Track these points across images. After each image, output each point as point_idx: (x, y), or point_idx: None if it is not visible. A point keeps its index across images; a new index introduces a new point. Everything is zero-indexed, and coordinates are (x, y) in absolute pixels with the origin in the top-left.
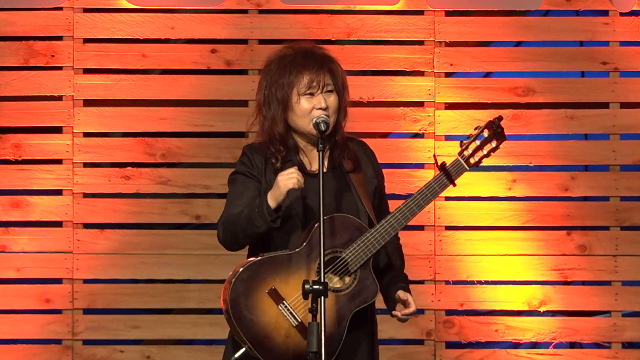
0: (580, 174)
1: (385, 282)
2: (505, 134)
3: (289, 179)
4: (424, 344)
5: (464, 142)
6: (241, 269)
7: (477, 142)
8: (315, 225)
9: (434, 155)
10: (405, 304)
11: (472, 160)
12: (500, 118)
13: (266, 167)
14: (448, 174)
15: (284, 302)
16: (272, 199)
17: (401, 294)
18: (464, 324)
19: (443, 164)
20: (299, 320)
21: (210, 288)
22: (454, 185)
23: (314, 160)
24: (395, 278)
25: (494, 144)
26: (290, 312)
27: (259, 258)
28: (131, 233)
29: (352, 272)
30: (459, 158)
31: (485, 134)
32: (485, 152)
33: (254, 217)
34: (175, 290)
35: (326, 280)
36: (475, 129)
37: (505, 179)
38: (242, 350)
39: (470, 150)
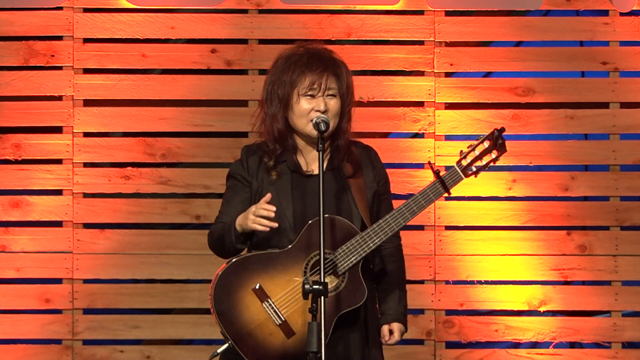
0: (580, 174)
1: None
2: (506, 134)
3: (258, 221)
4: (424, 344)
5: (463, 151)
6: (227, 265)
7: (477, 152)
8: (306, 226)
9: (429, 162)
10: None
11: (469, 170)
12: (502, 129)
13: (259, 166)
14: (443, 183)
15: (269, 300)
16: (239, 226)
17: (384, 329)
18: (464, 324)
19: (438, 172)
20: (283, 319)
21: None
22: (449, 194)
23: (311, 161)
24: (384, 295)
25: (493, 155)
26: (275, 311)
27: (246, 255)
28: (131, 233)
29: (340, 275)
30: (456, 166)
31: (486, 144)
32: (484, 162)
33: (225, 236)
34: (175, 290)
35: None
36: (477, 139)
37: (505, 179)
38: (225, 345)
39: (468, 160)
